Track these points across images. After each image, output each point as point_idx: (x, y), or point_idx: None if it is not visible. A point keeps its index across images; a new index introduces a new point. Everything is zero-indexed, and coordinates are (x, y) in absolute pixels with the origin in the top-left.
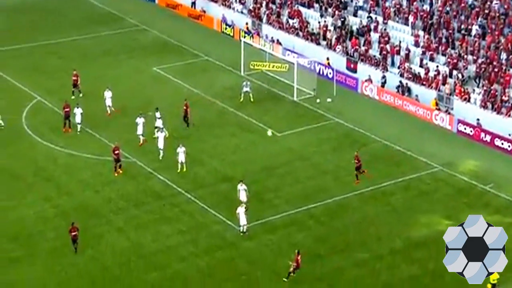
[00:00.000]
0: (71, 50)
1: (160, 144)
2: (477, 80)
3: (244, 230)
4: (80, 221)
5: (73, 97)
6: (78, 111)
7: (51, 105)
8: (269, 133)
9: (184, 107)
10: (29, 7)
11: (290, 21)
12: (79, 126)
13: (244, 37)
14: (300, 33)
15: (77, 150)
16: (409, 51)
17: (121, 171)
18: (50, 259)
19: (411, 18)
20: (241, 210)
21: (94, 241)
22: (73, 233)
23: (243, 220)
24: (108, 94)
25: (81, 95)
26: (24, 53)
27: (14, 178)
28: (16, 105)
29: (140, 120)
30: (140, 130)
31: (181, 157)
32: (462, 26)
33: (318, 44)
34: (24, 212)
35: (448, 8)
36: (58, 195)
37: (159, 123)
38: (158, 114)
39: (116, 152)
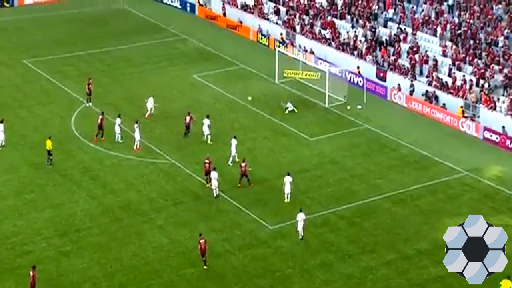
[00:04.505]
0: (117, 58)
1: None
2: (503, 89)
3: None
4: (124, 218)
5: (88, 104)
6: (117, 121)
7: (98, 110)
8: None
9: (187, 120)
10: (81, 19)
11: (323, 32)
12: (119, 135)
13: (279, 46)
14: (332, 43)
15: (121, 152)
16: (436, 61)
17: (207, 185)
18: (96, 253)
19: (439, 29)
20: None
21: (137, 237)
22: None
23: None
24: (150, 100)
25: (90, 104)
26: (74, 61)
27: (63, 177)
28: (66, 110)
29: (134, 126)
30: (137, 136)
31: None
32: (490, 38)
33: (349, 53)
34: (72, 209)
35: (475, 20)
36: (103, 194)
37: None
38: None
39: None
